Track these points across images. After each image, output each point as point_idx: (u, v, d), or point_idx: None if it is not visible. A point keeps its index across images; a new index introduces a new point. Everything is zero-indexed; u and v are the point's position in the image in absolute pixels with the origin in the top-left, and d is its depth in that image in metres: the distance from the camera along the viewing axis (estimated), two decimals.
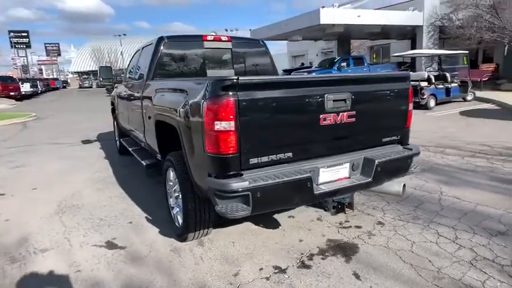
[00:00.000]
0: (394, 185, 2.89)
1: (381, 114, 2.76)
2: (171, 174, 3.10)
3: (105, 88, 32.63)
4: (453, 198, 3.79)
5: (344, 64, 16.21)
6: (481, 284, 2.37)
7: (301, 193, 2.34)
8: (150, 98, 3.52)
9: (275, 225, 3.38)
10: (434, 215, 3.42)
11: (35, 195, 4.46)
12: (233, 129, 2.12)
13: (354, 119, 2.55)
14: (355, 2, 22.09)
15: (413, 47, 23.53)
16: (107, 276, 2.62)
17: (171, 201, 3.21)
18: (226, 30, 63.26)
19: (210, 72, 4.20)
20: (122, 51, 62.06)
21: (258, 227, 3.34)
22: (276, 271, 2.60)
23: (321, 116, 2.41)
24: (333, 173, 2.54)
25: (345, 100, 2.49)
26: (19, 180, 5.17)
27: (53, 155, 6.83)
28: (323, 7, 14.58)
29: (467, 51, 12.19)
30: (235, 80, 2.09)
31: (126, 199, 4.18)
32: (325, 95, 2.39)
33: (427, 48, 16.77)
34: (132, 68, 4.91)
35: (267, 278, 2.52)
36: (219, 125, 2.11)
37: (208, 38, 4.18)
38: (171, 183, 3.15)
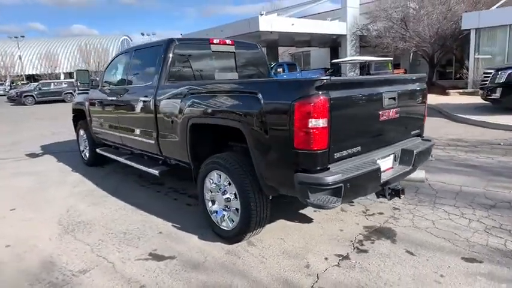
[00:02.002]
0: (418, 173, 3.32)
1: (412, 110, 3.17)
2: (216, 178, 3.07)
3: (6, 97, 28.80)
4: (440, 183, 4.43)
5: (280, 69, 17.05)
6: (503, 246, 2.89)
7: (374, 182, 2.59)
8: (174, 102, 3.42)
9: (308, 219, 3.56)
10: (434, 197, 3.97)
11: (22, 217, 3.89)
12: (326, 126, 2.27)
13: (398, 114, 2.90)
14: (281, 10, 23.32)
15: (332, 55, 25.77)
16: (178, 285, 2.51)
17: (214, 206, 3.17)
18: (143, 34, 60.90)
19: (218, 75, 4.20)
20: (20, 55, 55.22)
21: (293, 223, 3.49)
22: (340, 258, 2.80)
23: (380, 112, 2.70)
24: (383, 164, 2.84)
25: (394, 98, 2.82)
26: None
27: (5, 172, 5.93)
28: (262, 14, 15.16)
29: (391, 58, 13.92)
30: (326, 80, 2.25)
31: (135, 210, 3.93)
32: (383, 93, 2.69)
33: (350, 55, 18.59)
34: (123, 73, 4.60)
35: (338, 265, 2.70)
36: (313, 123, 2.24)
37: (215, 41, 4.19)
38: (214, 187, 3.11)
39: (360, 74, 17.16)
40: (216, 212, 3.16)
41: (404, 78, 3.22)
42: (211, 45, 4.17)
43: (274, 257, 2.85)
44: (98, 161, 5.82)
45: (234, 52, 4.41)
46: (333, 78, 2.28)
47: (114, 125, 4.70)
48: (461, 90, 14.52)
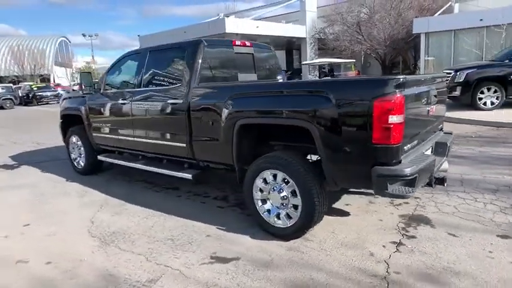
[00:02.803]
0: (444, 164, 3.66)
1: (441, 106, 3.50)
2: (269, 177, 3.13)
3: None
4: (442, 172, 4.87)
5: None
6: None
7: (430, 172, 2.84)
8: (214, 104, 3.41)
9: (345, 213, 3.74)
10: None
11: (43, 231, 3.59)
12: (402, 121, 2.46)
13: (435, 110, 3.20)
14: (238, 13, 23.52)
15: (288, 57, 26.50)
16: (260, 285, 2.54)
17: (266, 205, 3.22)
18: (84, 35, 57.37)
19: (241, 76, 4.23)
20: None
21: (333, 217, 3.65)
22: (396, 245, 3.01)
23: (428, 108, 2.96)
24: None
25: (435, 95, 3.10)
26: None
27: None
28: (227, 16, 15.18)
29: (354, 60, 14.75)
30: (402, 79, 2.44)
31: (167, 216, 3.81)
32: (431, 91, 2.96)
33: (309, 58, 19.35)
34: (135, 75, 4.40)
35: (398, 251, 2.91)
36: (393, 119, 2.42)
37: (237, 42, 4.21)
38: (267, 186, 3.16)
39: (319, 76, 17.91)
40: (269, 211, 3.21)
41: (439, 76, 3.54)
42: (234, 46, 4.20)
43: (336, 249, 2.98)
44: (94, 169, 5.50)
45: (253, 53, 4.47)
46: (407, 76, 2.48)
47: (126, 129, 4.50)
48: None
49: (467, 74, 9.07)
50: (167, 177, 4.25)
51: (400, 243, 3.03)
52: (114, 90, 4.75)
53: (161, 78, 4.14)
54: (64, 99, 5.91)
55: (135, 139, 4.40)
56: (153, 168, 4.25)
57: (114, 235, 3.43)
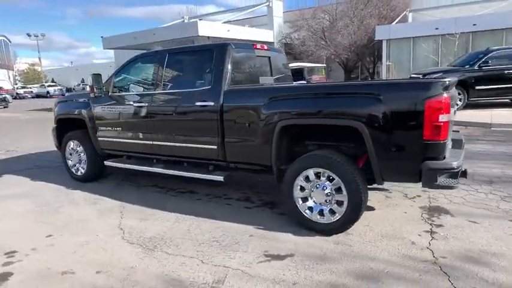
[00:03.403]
0: None
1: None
2: (312, 175, 3.27)
3: None
4: None
5: None
6: None
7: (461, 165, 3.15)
8: (252, 106, 3.50)
9: (369, 208, 3.95)
10: None
11: (72, 241, 3.41)
12: (448, 120, 2.73)
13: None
14: (202, 16, 23.40)
15: None
16: (326, 277, 2.67)
17: (308, 203, 3.35)
18: (29, 35, 53.39)
19: (261, 79, 4.33)
20: None
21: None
22: (429, 233, 3.29)
23: (455, 108, 3.29)
24: None
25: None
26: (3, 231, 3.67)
27: None
28: (200, 19, 15.08)
29: (325, 65, 15.36)
30: (448, 82, 2.72)
31: (200, 219, 3.80)
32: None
33: None
34: (152, 77, 4.32)
35: (435, 239, 3.19)
36: (442, 118, 2.69)
37: (258, 46, 4.32)
38: (309, 184, 3.30)
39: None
40: (311, 208, 3.35)
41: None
42: (255, 49, 4.29)
43: (379, 241, 3.20)
44: (97, 176, 5.27)
45: (269, 57, 4.59)
46: (450, 79, 2.76)
47: (143, 132, 4.38)
48: None
49: (435, 78, 9.89)
50: (179, 181, 4.22)
51: (432, 232, 3.32)
52: (124, 92, 4.60)
53: (185, 80, 4.13)
54: (59, 102, 5.57)
55: (155, 142, 4.31)
56: (180, 172, 4.18)
57: (152, 241, 3.36)
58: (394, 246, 3.08)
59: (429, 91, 2.73)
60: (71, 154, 5.36)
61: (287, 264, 2.87)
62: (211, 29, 15.45)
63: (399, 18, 18.40)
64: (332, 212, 3.26)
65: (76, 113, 5.07)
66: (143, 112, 4.31)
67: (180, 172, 4.16)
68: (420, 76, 10.30)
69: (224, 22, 17.40)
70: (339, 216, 3.21)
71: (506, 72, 9.38)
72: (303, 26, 18.90)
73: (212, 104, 3.75)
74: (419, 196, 4.25)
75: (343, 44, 17.28)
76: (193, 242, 3.30)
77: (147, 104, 4.28)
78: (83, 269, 2.89)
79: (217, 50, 3.88)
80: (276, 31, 20.40)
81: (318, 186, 3.28)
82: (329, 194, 3.24)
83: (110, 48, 19.51)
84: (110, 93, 4.70)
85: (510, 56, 9.82)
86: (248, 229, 3.52)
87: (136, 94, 4.43)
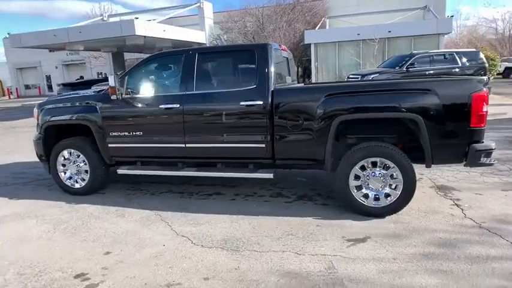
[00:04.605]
0: None
1: None
2: (368, 164, 3.65)
3: None
4: None
5: None
6: None
7: None
8: (306, 103, 3.72)
9: None
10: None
11: (140, 254, 3.16)
12: (487, 110, 3.38)
13: None
14: (128, 14, 21.99)
15: None
16: (414, 250, 3.06)
17: (363, 190, 3.71)
18: None
19: (288, 78, 4.54)
20: None
21: None
22: (457, 206, 3.95)
23: None
24: None
25: None
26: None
27: None
28: (137, 18, 14.12)
29: None
30: (486, 79, 3.37)
31: (253, 218, 3.86)
32: None
33: None
34: (182, 78, 4.15)
35: (464, 210, 3.85)
36: (485, 108, 3.33)
37: (283, 47, 4.52)
38: (364, 173, 3.67)
39: None
40: (366, 195, 3.71)
41: None
42: (282, 51, 4.49)
43: (426, 216, 3.73)
44: (100, 187, 4.81)
45: (287, 57, 4.83)
46: (485, 77, 3.41)
47: (173, 136, 4.18)
48: None
49: (372, 78, 11.23)
50: (194, 184, 4.42)
51: (456, 205, 3.99)
52: (141, 94, 4.30)
53: (223, 80, 4.09)
54: (43, 108, 4.81)
55: (188, 145, 4.16)
56: (226, 174, 4.15)
57: (229, 242, 3.33)
58: (441, 219, 3.65)
59: (474, 86, 3.34)
60: (64, 165, 4.75)
61: (373, 245, 3.19)
62: (147, 28, 14.65)
63: (320, 24, 20.16)
64: (387, 196, 3.67)
65: (77, 118, 4.52)
66: (174, 114, 4.13)
67: (225, 173, 4.13)
68: (359, 77, 11.56)
69: (159, 22, 16.66)
70: (394, 199, 3.65)
71: (427, 73, 11.19)
72: (233, 28, 19.26)
73: (261, 103, 3.84)
74: (421, 178, 4.97)
75: None
76: (271, 239, 3.38)
77: (178, 106, 4.10)
78: (186, 278, 2.76)
79: (260, 50, 3.97)
80: (208, 32, 20.34)
81: (373, 174, 3.67)
82: (384, 180, 3.65)
83: (21, 47, 16.91)
84: (122, 96, 4.34)
85: (430, 59, 11.74)
86: (309, 220, 3.72)
87: (164, 95, 4.21)
